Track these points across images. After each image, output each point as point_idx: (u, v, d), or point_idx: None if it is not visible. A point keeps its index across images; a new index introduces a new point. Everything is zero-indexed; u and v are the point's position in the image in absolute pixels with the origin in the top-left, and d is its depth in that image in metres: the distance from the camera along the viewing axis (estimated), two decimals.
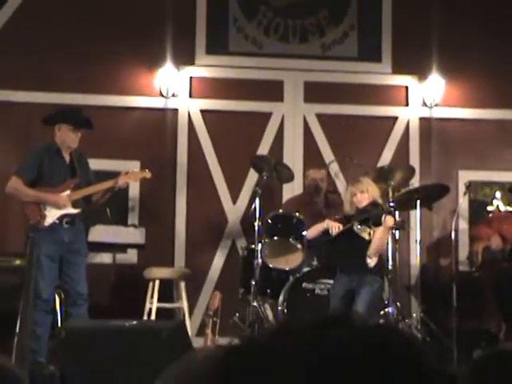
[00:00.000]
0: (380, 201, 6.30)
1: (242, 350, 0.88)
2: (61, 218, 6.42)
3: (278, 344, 0.86)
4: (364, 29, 8.51)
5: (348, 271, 6.30)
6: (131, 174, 6.82)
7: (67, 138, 6.50)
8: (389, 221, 6.11)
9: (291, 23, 8.54)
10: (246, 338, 0.90)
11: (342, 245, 6.32)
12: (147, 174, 6.84)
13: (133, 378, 4.44)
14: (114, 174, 7.07)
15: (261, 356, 0.85)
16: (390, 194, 7.22)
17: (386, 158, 8.37)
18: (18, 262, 7.13)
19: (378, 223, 6.08)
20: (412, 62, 8.43)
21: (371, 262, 6.19)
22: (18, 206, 6.83)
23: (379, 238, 6.15)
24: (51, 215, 6.39)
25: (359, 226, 6.22)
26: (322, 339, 0.85)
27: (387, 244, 6.95)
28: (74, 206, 6.47)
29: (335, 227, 6.31)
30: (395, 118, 8.51)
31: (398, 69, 8.49)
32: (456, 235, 7.68)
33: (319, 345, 0.84)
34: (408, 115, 8.51)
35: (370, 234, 6.20)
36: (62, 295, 6.64)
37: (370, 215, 6.10)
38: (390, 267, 7.15)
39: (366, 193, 6.30)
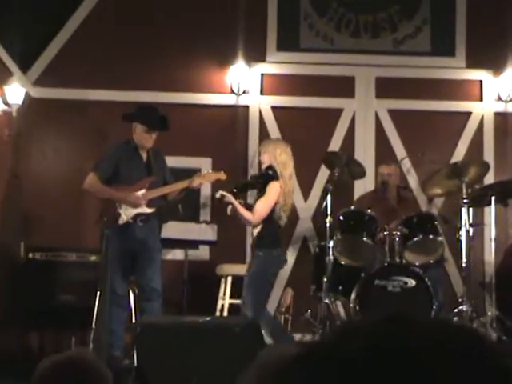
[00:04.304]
0: (275, 166, 6.29)
1: (310, 356, 0.87)
2: (135, 217, 6.51)
3: (347, 347, 0.85)
4: (437, 23, 8.40)
5: None
6: (206, 175, 6.87)
7: (142, 138, 6.59)
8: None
9: (363, 18, 8.48)
10: (311, 343, 0.89)
11: None
12: (222, 176, 6.86)
13: (207, 373, 4.49)
14: (186, 171, 7.15)
15: (331, 361, 0.85)
16: (464, 190, 7.10)
17: (459, 153, 8.25)
18: (93, 257, 7.28)
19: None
20: (487, 56, 8.29)
21: (254, 231, 6.29)
22: (94, 203, 6.96)
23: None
24: (126, 214, 6.49)
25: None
26: (390, 339, 0.85)
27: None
28: (149, 205, 6.55)
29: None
30: (469, 113, 8.38)
31: (472, 63, 8.35)
32: None
33: (388, 345, 0.84)
34: (482, 110, 8.37)
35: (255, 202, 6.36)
36: (136, 291, 6.74)
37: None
38: (463, 265, 7.04)
39: (263, 155, 6.40)
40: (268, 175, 6.18)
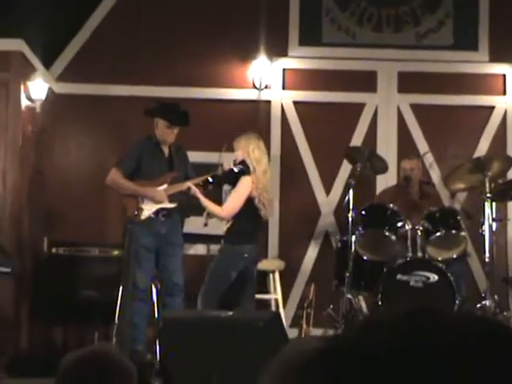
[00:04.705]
0: (248, 161, 6.26)
1: (333, 350, 0.88)
2: (157, 212, 6.53)
3: (370, 341, 0.86)
4: (460, 17, 8.35)
5: None
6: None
7: (163, 133, 6.61)
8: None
9: (385, 12, 8.44)
10: (334, 337, 0.90)
11: None
12: None
13: (229, 368, 4.49)
14: (208, 166, 7.15)
15: (353, 355, 0.85)
16: (487, 185, 7.06)
17: (482, 148, 8.20)
18: (116, 252, 7.31)
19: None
20: (510, 50, 8.22)
21: (225, 227, 6.25)
22: (117, 198, 6.99)
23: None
24: (148, 209, 6.52)
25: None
26: (412, 334, 0.85)
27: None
28: (171, 200, 6.57)
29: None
30: (492, 108, 8.32)
31: (495, 57, 8.29)
32: None
33: (410, 340, 0.84)
34: (505, 104, 8.31)
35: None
36: (159, 285, 6.77)
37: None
38: (487, 260, 7.00)
39: (237, 152, 6.37)
40: (239, 170, 6.14)
